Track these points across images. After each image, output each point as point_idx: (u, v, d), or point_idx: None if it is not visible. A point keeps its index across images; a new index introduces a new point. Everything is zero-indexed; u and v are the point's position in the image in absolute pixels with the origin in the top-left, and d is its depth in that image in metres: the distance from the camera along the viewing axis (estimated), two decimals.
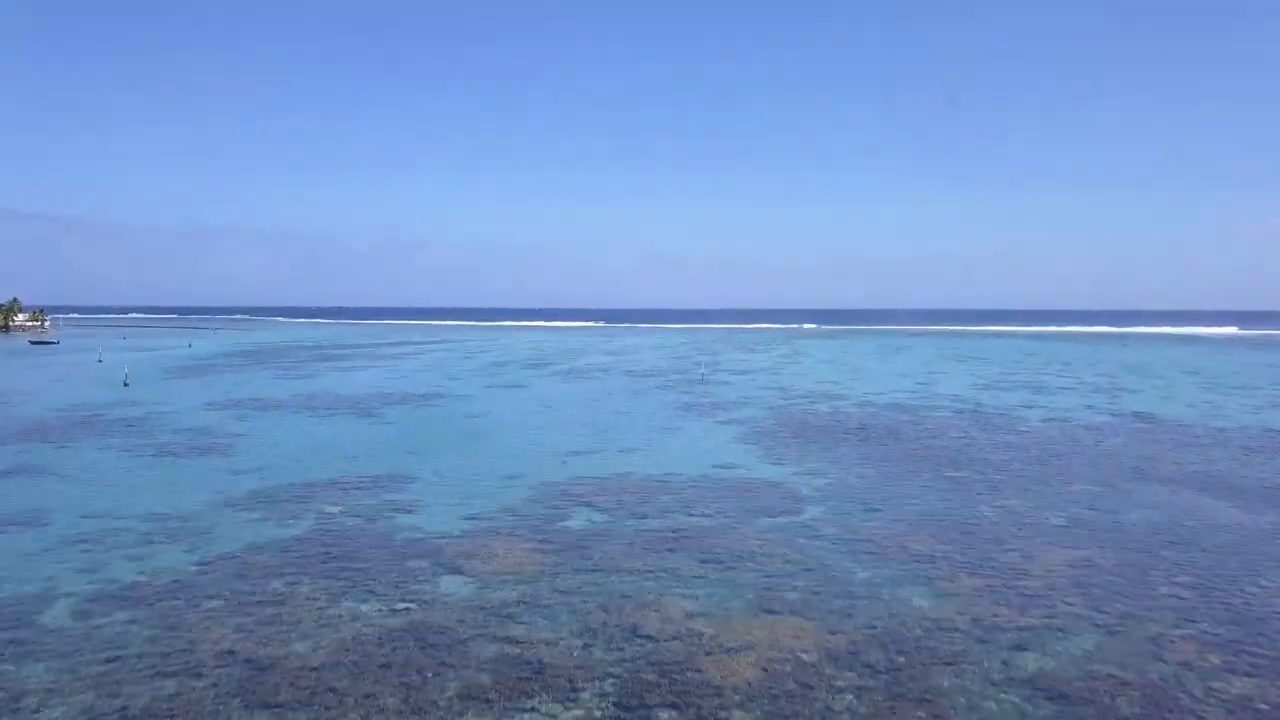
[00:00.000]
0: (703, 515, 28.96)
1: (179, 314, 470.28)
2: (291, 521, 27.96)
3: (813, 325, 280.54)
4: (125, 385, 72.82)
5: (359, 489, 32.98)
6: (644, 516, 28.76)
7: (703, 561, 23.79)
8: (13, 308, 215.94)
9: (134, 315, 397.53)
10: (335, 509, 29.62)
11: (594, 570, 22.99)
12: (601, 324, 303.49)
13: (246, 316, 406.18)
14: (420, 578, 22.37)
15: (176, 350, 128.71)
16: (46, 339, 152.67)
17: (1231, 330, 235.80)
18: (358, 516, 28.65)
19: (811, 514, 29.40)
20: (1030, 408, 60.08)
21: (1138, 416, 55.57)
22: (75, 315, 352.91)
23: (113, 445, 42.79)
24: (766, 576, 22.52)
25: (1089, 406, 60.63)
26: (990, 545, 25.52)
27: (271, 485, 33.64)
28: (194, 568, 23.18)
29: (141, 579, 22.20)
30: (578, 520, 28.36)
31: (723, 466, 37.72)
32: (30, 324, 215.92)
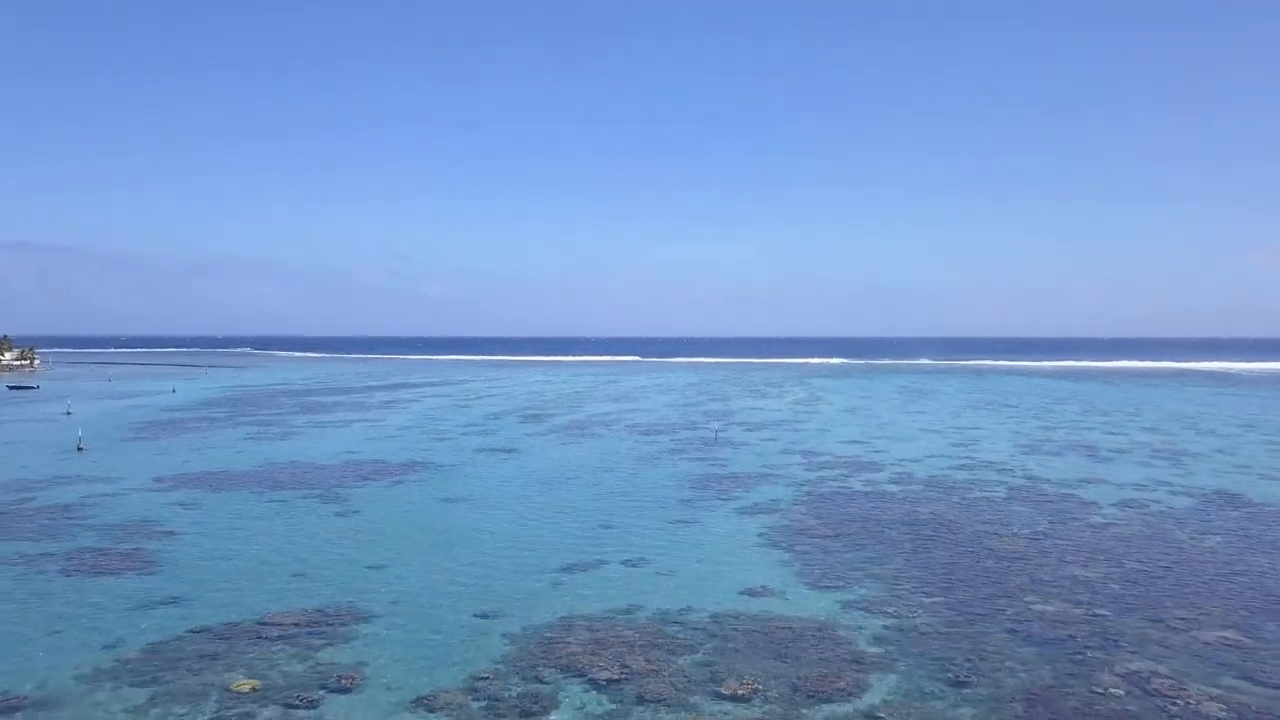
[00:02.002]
0: (736, 697, 21.61)
1: (184, 346, 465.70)
2: (182, 716, 20.67)
3: (822, 360, 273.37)
4: (79, 450, 65.85)
5: (289, 639, 25.69)
6: (659, 701, 21.42)
7: None
8: (0, 345, 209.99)
9: (132, 351, 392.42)
10: (248, 685, 22.32)
11: None
12: (607, 358, 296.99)
13: (249, 350, 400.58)
14: None
15: (157, 397, 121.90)
16: (26, 383, 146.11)
17: (1277, 366, 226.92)
18: (273, 703, 21.35)
19: (881, 692, 22.05)
20: (1092, 483, 52.65)
21: (1222, 497, 48.14)
22: (73, 350, 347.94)
23: (19, 554, 35.56)
24: None
25: (1160, 482, 53.16)
26: None
27: (182, 631, 26.40)
28: None
29: None
30: (567, 711, 21.03)
31: (752, 594, 30.37)
32: (18, 363, 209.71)
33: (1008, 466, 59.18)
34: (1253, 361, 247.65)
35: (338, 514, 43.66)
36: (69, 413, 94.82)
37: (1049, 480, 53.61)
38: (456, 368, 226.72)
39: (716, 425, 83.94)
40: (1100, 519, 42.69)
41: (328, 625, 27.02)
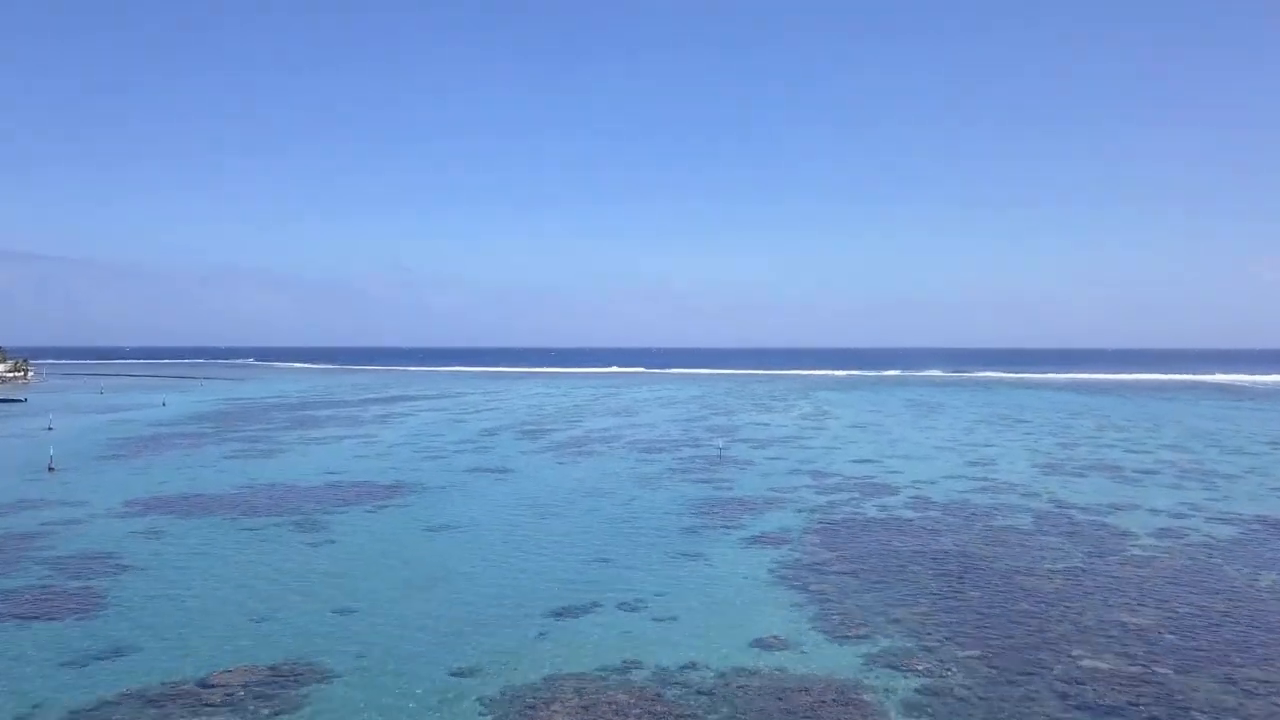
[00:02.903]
0: None
1: (189, 356, 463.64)
2: None
3: (828, 371, 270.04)
4: (50, 470, 62.61)
5: (233, 705, 22.32)
6: None
7: None
8: None
9: (132, 362, 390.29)
10: None
11: None
12: (609, 369, 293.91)
13: (250, 361, 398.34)
14: None
15: (146, 410, 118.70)
16: (14, 396, 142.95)
17: None
18: None
19: None
20: (1123, 509, 49.24)
21: (1266, 526, 44.73)
22: (72, 362, 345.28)
23: None
24: None
25: (1195, 507, 49.71)
26: None
27: (113, 694, 23.02)
28: None
29: None
30: None
31: (764, 646, 26.96)
32: (12, 375, 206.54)
33: (1031, 489, 55.75)
34: (1264, 374, 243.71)
35: (311, 545, 40.32)
36: (50, 428, 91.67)
37: (1076, 506, 50.17)
38: (456, 379, 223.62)
39: (720, 442, 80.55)
40: (1139, 552, 39.26)
41: (280, 687, 23.65)
